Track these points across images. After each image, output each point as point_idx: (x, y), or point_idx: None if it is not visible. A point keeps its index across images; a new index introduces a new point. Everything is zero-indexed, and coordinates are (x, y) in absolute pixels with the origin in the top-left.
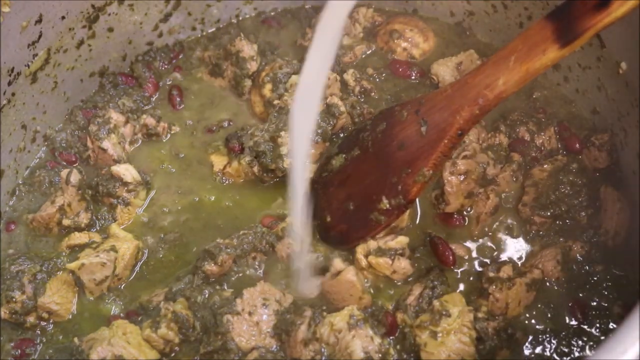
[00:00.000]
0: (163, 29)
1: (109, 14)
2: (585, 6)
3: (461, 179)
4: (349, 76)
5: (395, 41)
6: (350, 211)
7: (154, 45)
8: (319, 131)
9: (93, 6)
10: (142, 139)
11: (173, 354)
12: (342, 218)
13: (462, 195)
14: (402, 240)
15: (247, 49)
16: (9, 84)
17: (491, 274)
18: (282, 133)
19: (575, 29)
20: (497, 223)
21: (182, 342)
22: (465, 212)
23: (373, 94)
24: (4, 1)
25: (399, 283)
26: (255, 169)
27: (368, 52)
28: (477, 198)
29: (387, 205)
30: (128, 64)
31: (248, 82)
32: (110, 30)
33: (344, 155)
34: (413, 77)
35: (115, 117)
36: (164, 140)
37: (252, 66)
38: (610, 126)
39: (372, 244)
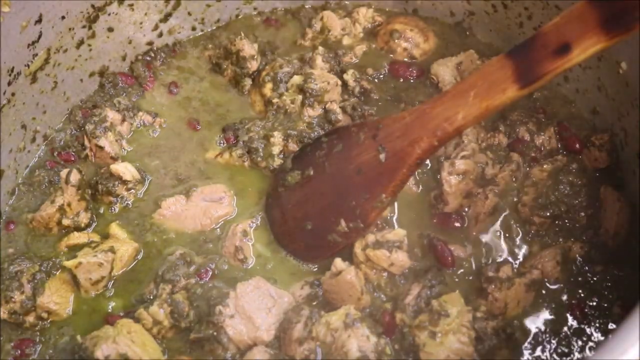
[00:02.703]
0: (163, 29)
1: (109, 14)
2: (546, 50)
3: (459, 179)
4: (349, 76)
5: (396, 41)
6: (308, 231)
7: (154, 45)
8: (313, 135)
9: (93, 6)
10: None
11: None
12: (299, 237)
13: (460, 195)
14: (399, 233)
15: (248, 48)
16: (9, 84)
17: (490, 274)
18: (276, 133)
19: (535, 72)
20: (496, 223)
21: (171, 327)
22: (463, 212)
23: (373, 94)
24: (4, 1)
25: (401, 281)
26: (246, 163)
27: (368, 52)
28: (476, 198)
29: (346, 229)
30: (128, 63)
31: (248, 81)
32: (110, 30)
33: (299, 172)
34: (413, 78)
35: (112, 115)
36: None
37: (253, 65)
38: (610, 126)
39: (370, 237)
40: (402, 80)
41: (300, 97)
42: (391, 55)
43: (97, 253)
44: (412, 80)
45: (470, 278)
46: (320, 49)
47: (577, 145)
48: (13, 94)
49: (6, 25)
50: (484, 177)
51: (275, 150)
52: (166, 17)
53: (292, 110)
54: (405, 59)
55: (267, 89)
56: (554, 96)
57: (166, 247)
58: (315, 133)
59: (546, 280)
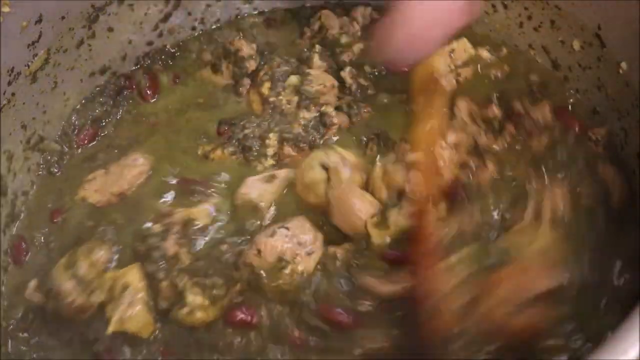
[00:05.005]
0: (163, 29)
1: (109, 14)
2: None
3: (452, 151)
4: (346, 74)
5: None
6: None
7: (154, 45)
8: (310, 138)
9: (93, 6)
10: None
11: None
12: None
13: (454, 166)
14: None
15: (246, 47)
16: (9, 84)
17: None
18: (271, 135)
19: None
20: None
21: None
22: (464, 183)
23: (370, 90)
24: (4, 1)
25: None
26: (238, 160)
27: (366, 50)
28: (475, 168)
29: None
30: (128, 64)
31: (247, 81)
32: (110, 30)
33: None
34: (408, 69)
35: None
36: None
37: (251, 65)
38: (610, 126)
39: None
40: (398, 73)
41: (296, 98)
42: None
43: None
44: (407, 73)
45: None
46: (318, 47)
47: (577, 128)
48: (13, 94)
49: (6, 25)
50: (478, 147)
51: (270, 151)
52: (166, 17)
53: (288, 111)
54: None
55: (265, 88)
56: None
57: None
58: (311, 137)
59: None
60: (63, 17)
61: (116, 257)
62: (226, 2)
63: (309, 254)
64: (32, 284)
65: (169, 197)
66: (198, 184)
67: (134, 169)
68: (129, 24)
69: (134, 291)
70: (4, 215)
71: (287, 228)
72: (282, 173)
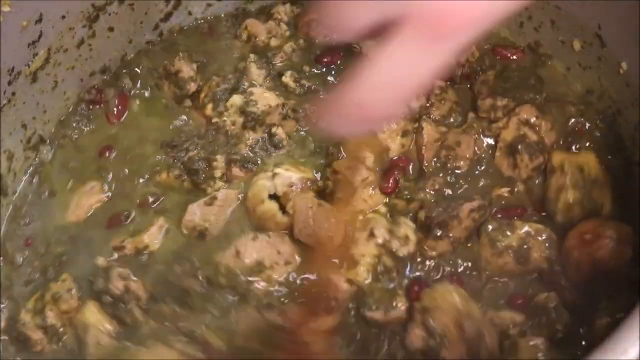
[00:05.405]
0: (163, 29)
1: (109, 14)
2: None
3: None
4: (288, 79)
5: (315, 30)
6: None
7: (153, 45)
8: (258, 160)
9: (93, 5)
10: None
11: None
12: None
13: (397, 135)
14: None
15: (186, 69)
16: (9, 83)
17: None
18: (218, 157)
19: None
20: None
21: None
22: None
23: (314, 91)
24: (4, 1)
25: None
26: (185, 183)
27: (297, 48)
28: (414, 133)
29: None
30: (128, 64)
31: (188, 102)
32: (111, 29)
33: None
34: (341, 58)
35: None
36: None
37: (192, 87)
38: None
39: None
40: (335, 64)
41: (241, 119)
42: (315, 44)
43: None
44: (342, 60)
45: None
46: (252, 56)
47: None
48: (13, 94)
49: (6, 25)
50: (412, 110)
51: (218, 173)
52: (167, 17)
53: (233, 132)
54: (327, 43)
55: (209, 109)
56: None
57: None
58: (259, 158)
59: None
60: (63, 17)
61: (78, 297)
62: (227, 2)
63: (286, 263)
64: (2, 324)
65: (121, 225)
66: (146, 208)
67: (92, 197)
68: (129, 24)
69: (94, 330)
70: (5, 216)
71: (268, 235)
72: (221, 194)
